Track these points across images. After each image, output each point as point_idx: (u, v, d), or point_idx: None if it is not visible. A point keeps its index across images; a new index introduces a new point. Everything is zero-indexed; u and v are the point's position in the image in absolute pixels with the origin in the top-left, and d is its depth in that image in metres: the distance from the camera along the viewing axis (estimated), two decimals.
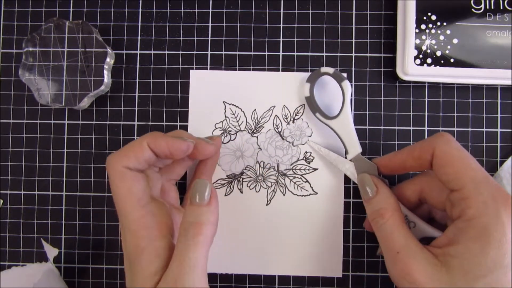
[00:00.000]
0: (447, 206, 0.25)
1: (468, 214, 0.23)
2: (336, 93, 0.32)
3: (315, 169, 0.33)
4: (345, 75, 0.33)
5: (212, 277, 0.33)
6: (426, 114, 0.34)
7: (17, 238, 0.34)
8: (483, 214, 0.22)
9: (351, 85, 0.34)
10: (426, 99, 0.34)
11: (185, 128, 0.34)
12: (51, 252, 0.33)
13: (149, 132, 0.31)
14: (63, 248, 0.34)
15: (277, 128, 0.34)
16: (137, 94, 0.34)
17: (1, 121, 0.35)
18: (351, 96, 0.34)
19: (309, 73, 0.32)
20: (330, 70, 0.31)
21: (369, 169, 0.30)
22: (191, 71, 0.34)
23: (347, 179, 0.33)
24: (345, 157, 0.31)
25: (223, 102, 0.34)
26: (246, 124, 0.34)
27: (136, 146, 0.25)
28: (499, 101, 0.34)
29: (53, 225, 0.34)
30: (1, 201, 0.34)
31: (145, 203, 0.25)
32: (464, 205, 0.23)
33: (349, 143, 0.31)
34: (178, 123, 0.34)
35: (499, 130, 0.34)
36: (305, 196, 0.33)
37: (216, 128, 0.34)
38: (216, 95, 0.34)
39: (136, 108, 0.34)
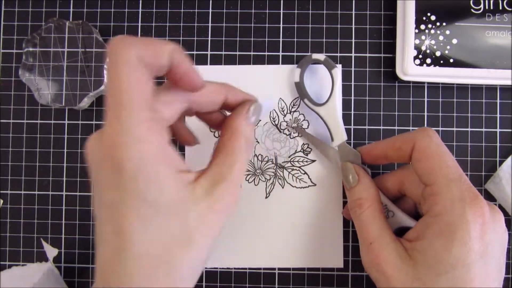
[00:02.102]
0: (421, 201, 0.26)
1: (435, 210, 0.23)
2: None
3: (313, 161, 0.33)
4: (340, 66, 0.34)
5: (212, 274, 0.33)
6: (425, 114, 0.34)
7: (17, 238, 0.34)
8: (449, 211, 0.22)
9: (351, 85, 0.34)
10: (426, 99, 0.34)
11: None
12: (51, 252, 0.34)
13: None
14: (63, 248, 0.34)
15: (274, 121, 0.34)
16: None
17: (1, 121, 0.35)
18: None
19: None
20: (321, 56, 0.31)
21: (353, 157, 0.30)
22: None
23: None
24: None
25: None
26: None
27: (159, 45, 0.19)
28: (498, 101, 0.34)
29: (53, 225, 0.34)
30: (1, 201, 0.34)
31: (151, 105, 0.19)
32: (432, 201, 0.23)
33: (335, 130, 0.31)
34: None
35: (498, 130, 0.34)
36: (304, 188, 0.33)
37: None
38: None
39: None
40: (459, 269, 0.21)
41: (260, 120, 0.34)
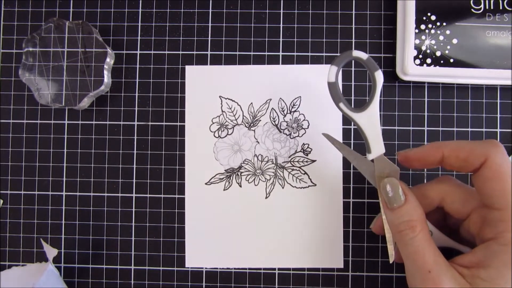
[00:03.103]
0: (476, 222, 0.24)
1: (506, 238, 0.22)
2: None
3: (313, 161, 0.33)
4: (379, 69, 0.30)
5: (212, 274, 0.33)
6: (425, 114, 0.34)
7: (17, 238, 0.34)
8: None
9: (351, 85, 0.34)
10: (426, 99, 0.34)
11: (183, 125, 0.34)
12: (51, 252, 0.34)
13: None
14: (63, 248, 0.34)
15: (274, 121, 0.34)
16: (137, 94, 0.34)
17: (1, 121, 0.35)
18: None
19: (310, 64, 0.32)
20: (364, 55, 0.27)
21: (392, 172, 0.27)
22: (187, 67, 0.34)
23: (345, 170, 0.33)
24: (365, 156, 0.28)
25: (219, 96, 0.34)
26: (243, 118, 0.34)
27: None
28: (498, 101, 0.34)
29: (53, 225, 0.34)
30: (1, 201, 0.34)
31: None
32: (502, 228, 0.22)
33: (374, 141, 0.27)
34: (178, 123, 0.34)
35: (498, 130, 0.34)
36: (304, 188, 0.33)
37: (213, 123, 0.34)
38: (212, 90, 0.34)
39: (136, 108, 0.34)
40: None
41: (260, 121, 0.34)
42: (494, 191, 0.23)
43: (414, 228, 0.24)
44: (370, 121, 0.27)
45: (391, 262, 0.28)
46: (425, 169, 0.33)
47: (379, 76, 0.27)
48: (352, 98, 0.34)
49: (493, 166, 0.23)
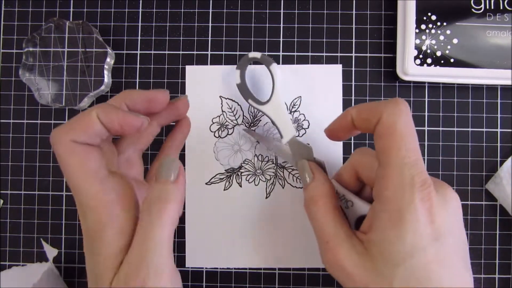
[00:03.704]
0: (374, 184, 0.24)
1: (384, 196, 0.22)
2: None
3: None
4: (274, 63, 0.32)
5: (212, 274, 0.33)
6: (426, 114, 0.34)
7: (17, 238, 0.34)
8: (398, 198, 0.21)
9: (351, 85, 0.34)
10: (426, 99, 0.34)
11: None
12: (51, 252, 0.34)
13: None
14: (63, 248, 0.34)
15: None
16: None
17: (1, 121, 0.35)
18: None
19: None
20: (258, 54, 0.31)
21: (306, 152, 0.29)
22: (187, 67, 0.34)
23: None
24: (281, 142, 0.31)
25: (220, 96, 0.34)
26: (243, 118, 0.34)
27: (84, 119, 0.22)
28: (499, 101, 0.34)
29: (53, 225, 0.34)
30: (1, 201, 0.34)
31: (103, 177, 0.23)
32: (383, 185, 0.22)
33: (283, 127, 0.30)
34: None
35: (499, 130, 0.34)
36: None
37: (213, 123, 0.34)
38: (212, 90, 0.34)
39: None
40: (416, 255, 0.21)
41: (260, 121, 0.34)
42: (381, 147, 0.22)
43: (316, 202, 0.25)
44: (275, 110, 0.30)
45: None
46: None
47: (274, 69, 0.31)
48: (353, 98, 0.34)
49: (384, 124, 0.22)
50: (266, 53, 0.34)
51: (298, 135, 0.34)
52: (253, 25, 0.34)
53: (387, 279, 0.21)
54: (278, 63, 0.34)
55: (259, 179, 0.34)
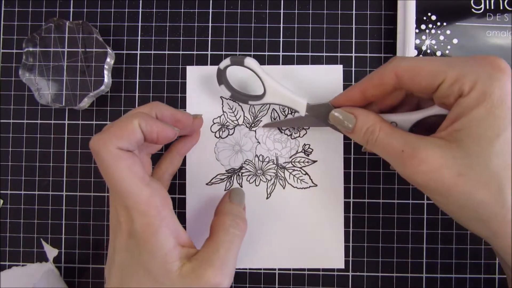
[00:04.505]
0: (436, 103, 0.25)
1: (465, 89, 0.22)
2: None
3: (314, 161, 0.33)
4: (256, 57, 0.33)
5: None
6: None
7: (17, 238, 0.34)
8: (478, 81, 0.21)
9: (352, 85, 0.34)
10: None
11: None
12: (51, 252, 0.34)
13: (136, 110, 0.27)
14: (63, 248, 0.34)
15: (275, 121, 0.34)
16: (137, 94, 0.34)
17: (1, 121, 0.35)
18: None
19: None
20: (227, 61, 0.30)
21: (326, 107, 0.29)
22: (188, 67, 0.34)
23: (346, 170, 0.33)
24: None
25: (220, 97, 0.34)
26: (244, 118, 0.34)
27: (127, 127, 0.24)
28: None
29: (53, 225, 0.34)
30: (1, 201, 0.34)
31: (148, 181, 0.24)
32: (457, 87, 0.22)
33: (293, 103, 0.30)
34: None
35: None
36: (305, 188, 0.33)
37: (214, 123, 0.34)
38: (213, 90, 0.34)
39: None
40: (509, 127, 0.20)
41: (261, 121, 0.34)
42: (426, 78, 0.23)
43: (373, 131, 0.25)
44: (276, 95, 0.30)
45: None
46: None
47: (250, 64, 0.29)
48: None
49: (406, 69, 0.24)
50: (266, 53, 0.34)
51: (299, 136, 0.34)
52: (253, 25, 0.34)
53: (481, 159, 0.21)
54: (278, 64, 0.34)
55: (260, 179, 0.34)
